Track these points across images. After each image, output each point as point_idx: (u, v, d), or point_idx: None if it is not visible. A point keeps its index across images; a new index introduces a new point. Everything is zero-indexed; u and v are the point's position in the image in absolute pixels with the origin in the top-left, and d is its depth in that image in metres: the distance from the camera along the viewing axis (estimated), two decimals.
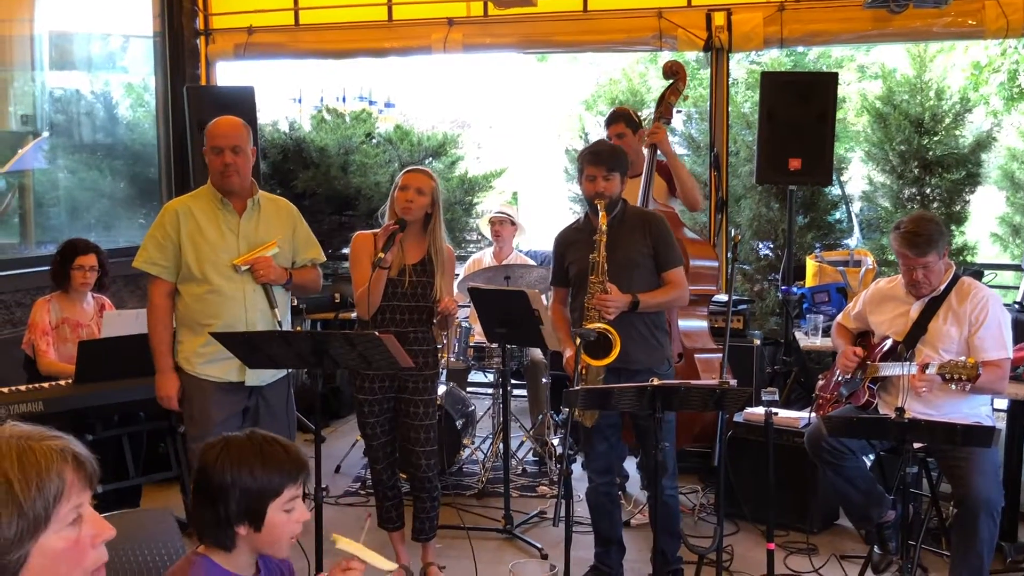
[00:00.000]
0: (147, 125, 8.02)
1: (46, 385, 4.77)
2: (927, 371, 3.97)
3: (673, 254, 4.33)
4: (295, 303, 6.24)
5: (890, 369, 4.22)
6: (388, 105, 10.93)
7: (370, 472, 4.56)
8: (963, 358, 3.91)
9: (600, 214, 4.19)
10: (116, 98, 7.91)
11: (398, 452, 4.48)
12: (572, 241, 4.42)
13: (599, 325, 4.11)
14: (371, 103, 10.31)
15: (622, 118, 5.57)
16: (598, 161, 4.24)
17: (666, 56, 6.74)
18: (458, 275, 6.07)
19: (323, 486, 3.88)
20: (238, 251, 4.11)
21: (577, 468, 6.12)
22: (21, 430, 1.56)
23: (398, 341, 4.22)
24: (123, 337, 4.88)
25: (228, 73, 8.25)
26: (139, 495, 5.28)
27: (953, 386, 3.87)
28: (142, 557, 2.43)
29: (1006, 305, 5.51)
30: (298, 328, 3.82)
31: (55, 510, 1.50)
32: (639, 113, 7.86)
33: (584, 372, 4.19)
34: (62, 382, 4.84)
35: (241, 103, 6.85)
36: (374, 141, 8.61)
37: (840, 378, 4.52)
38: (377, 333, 3.58)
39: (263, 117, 8.03)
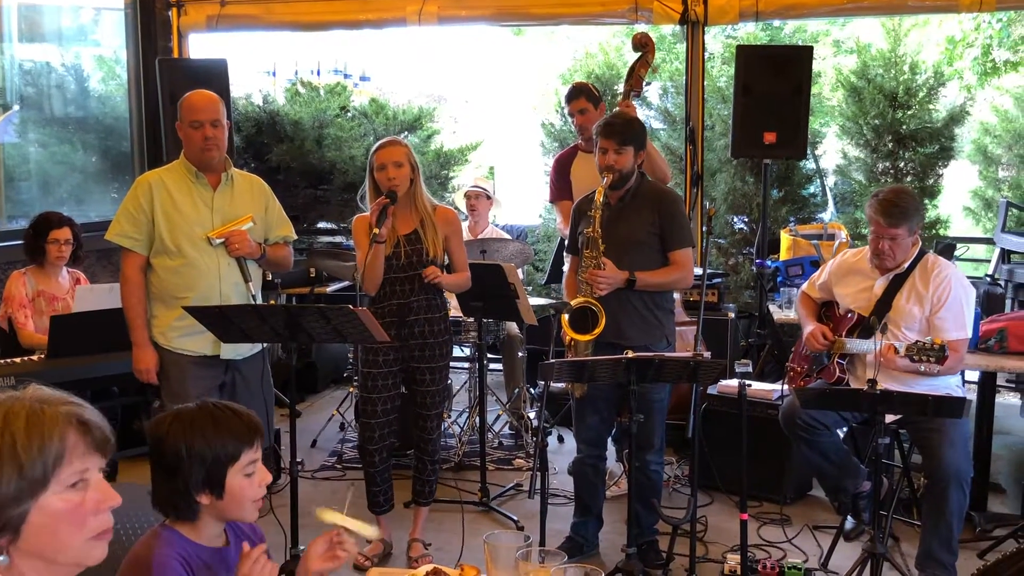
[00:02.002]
0: (119, 98, 7.92)
1: (18, 360, 4.74)
2: (899, 349, 4.00)
3: (681, 234, 4.28)
4: (269, 278, 6.21)
5: (858, 346, 4.24)
6: (363, 78, 10.85)
7: (361, 455, 4.50)
8: (929, 339, 3.94)
9: (598, 188, 4.18)
10: (87, 71, 7.80)
11: (398, 420, 4.45)
12: (585, 211, 4.38)
13: (582, 299, 4.12)
14: (346, 76, 10.24)
15: (583, 93, 5.56)
16: (610, 133, 4.20)
17: (642, 29, 6.71)
18: None
19: (299, 460, 3.89)
20: (212, 224, 4.08)
21: (552, 441, 6.17)
22: (41, 393, 1.59)
23: (403, 312, 4.24)
24: (96, 312, 4.85)
25: (201, 45, 8.14)
26: (115, 470, 5.26)
27: (921, 367, 3.90)
28: (115, 532, 2.41)
29: (978, 279, 5.59)
30: (272, 302, 3.80)
31: (55, 473, 1.52)
32: (614, 87, 7.91)
33: (572, 344, 4.20)
34: (35, 357, 4.82)
35: (214, 76, 6.77)
36: (349, 115, 8.55)
37: (808, 352, 4.55)
38: (352, 307, 3.57)
39: (236, 90, 7.95)
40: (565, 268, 5.77)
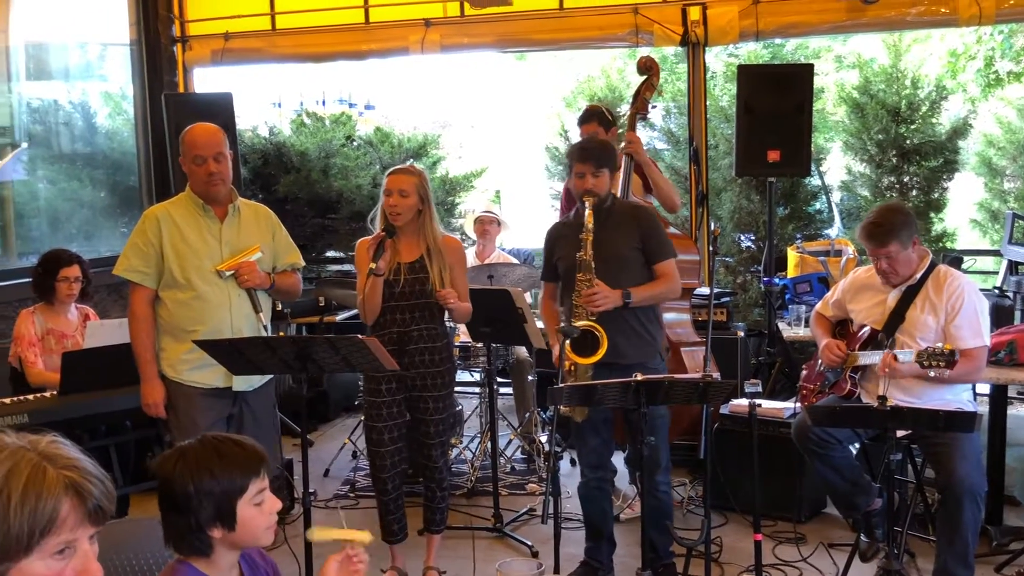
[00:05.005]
0: (126, 133, 8.00)
1: (31, 397, 4.76)
2: (899, 358, 4.00)
3: (664, 246, 4.32)
4: (279, 308, 6.23)
5: (869, 358, 4.24)
6: (368, 107, 10.93)
7: (373, 483, 4.49)
8: (940, 344, 3.94)
9: (587, 212, 4.21)
10: (94, 107, 7.88)
11: (408, 447, 4.44)
12: (561, 236, 4.42)
13: (586, 322, 4.13)
14: (351, 106, 10.32)
15: (595, 117, 5.59)
16: (587, 158, 4.23)
17: (643, 52, 6.77)
18: None
19: (311, 490, 3.89)
20: (221, 257, 4.09)
21: (565, 465, 6.16)
22: (51, 449, 1.57)
23: (402, 341, 4.25)
24: (107, 347, 4.86)
25: (206, 79, 8.24)
26: (127, 505, 5.27)
27: (931, 372, 3.90)
28: (130, 566, 2.43)
29: (986, 291, 5.58)
30: (281, 333, 3.80)
31: (40, 542, 1.51)
32: (616, 109, 7.94)
33: (573, 369, 4.20)
34: (47, 394, 4.83)
35: (220, 109, 6.85)
36: (354, 144, 8.61)
37: (823, 368, 4.55)
38: (360, 336, 3.59)
39: (242, 122, 8.02)
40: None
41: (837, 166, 8.08)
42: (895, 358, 4.02)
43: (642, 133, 6.55)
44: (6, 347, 5.43)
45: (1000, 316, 5.35)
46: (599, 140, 4.48)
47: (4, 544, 1.48)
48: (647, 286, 4.26)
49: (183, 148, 4.10)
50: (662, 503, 4.34)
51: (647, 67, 5.53)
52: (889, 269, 4.19)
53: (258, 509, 2.19)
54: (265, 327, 4.15)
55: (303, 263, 4.49)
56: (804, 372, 4.77)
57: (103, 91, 8.07)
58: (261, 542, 2.26)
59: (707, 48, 7.17)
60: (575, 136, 7.86)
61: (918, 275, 4.22)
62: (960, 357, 3.92)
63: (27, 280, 5.46)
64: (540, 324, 5.93)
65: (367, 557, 2.27)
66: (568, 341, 4.12)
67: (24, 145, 7.05)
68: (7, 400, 4.68)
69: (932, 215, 7.30)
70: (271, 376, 4.29)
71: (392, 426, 4.33)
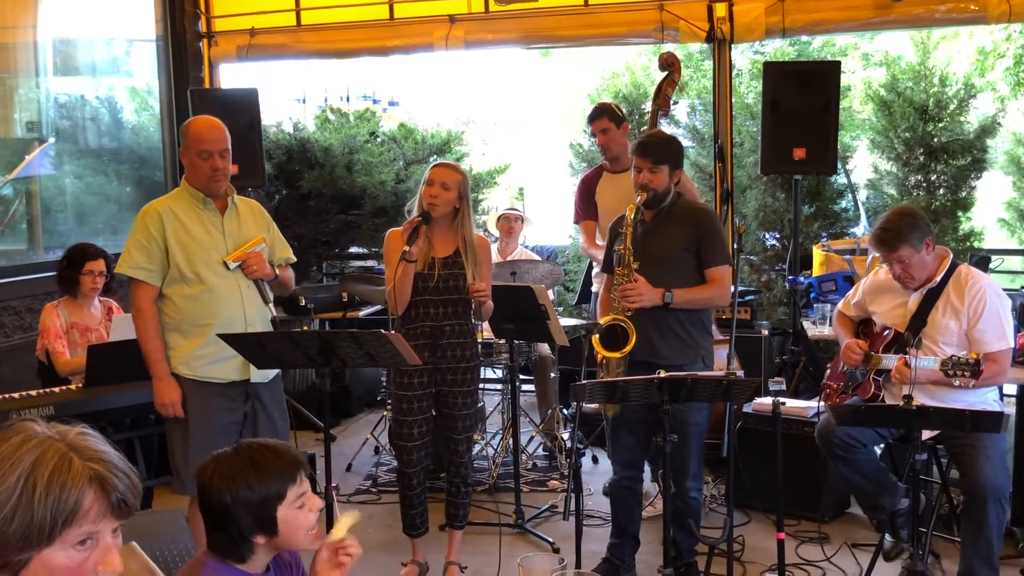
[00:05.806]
0: (152, 129, 8.04)
1: (57, 390, 4.79)
2: (913, 364, 3.96)
3: (718, 252, 4.24)
4: (302, 303, 6.26)
5: (891, 361, 4.19)
6: (392, 103, 10.97)
7: (399, 478, 4.50)
8: (964, 353, 3.88)
9: (631, 206, 4.19)
10: (120, 102, 7.93)
11: (432, 442, 4.44)
12: (619, 230, 4.39)
13: (611, 317, 4.11)
14: (375, 102, 10.35)
15: (605, 113, 5.56)
16: (644, 153, 4.18)
17: (668, 48, 6.75)
18: None
19: (334, 484, 3.90)
20: (226, 249, 4.06)
21: (587, 462, 6.15)
22: (80, 440, 1.58)
23: (435, 335, 4.26)
24: (132, 340, 4.87)
25: (232, 75, 8.27)
26: (151, 497, 5.31)
27: (956, 382, 3.85)
28: (153, 558, 2.44)
29: (1013, 291, 5.52)
30: (304, 328, 3.79)
31: (62, 533, 1.52)
32: (641, 106, 7.93)
33: (604, 363, 4.19)
34: (72, 386, 4.87)
35: (245, 105, 6.87)
36: (378, 140, 8.62)
37: (845, 368, 4.51)
38: (383, 331, 3.59)
39: (267, 118, 8.05)
40: (594, 288, 5.77)
41: (863, 164, 8.02)
42: (907, 363, 3.97)
43: (666, 130, 6.52)
44: (33, 340, 5.48)
45: None
46: (661, 135, 4.42)
47: (27, 532, 1.50)
48: (693, 289, 4.19)
49: (186, 140, 4.05)
50: (691, 508, 4.29)
51: (668, 63, 5.51)
52: (904, 274, 4.12)
53: (300, 511, 2.20)
54: (274, 318, 4.14)
55: (295, 258, 4.49)
56: (828, 371, 4.74)
57: (129, 86, 8.12)
58: (302, 545, 2.25)
59: (733, 45, 7.14)
60: None
61: (938, 277, 4.14)
62: (984, 360, 3.87)
63: (54, 274, 5.50)
64: (570, 321, 5.95)
65: (359, 550, 2.26)
66: (598, 335, 4.12)
67: (51, 140, 7.10)
68: (34, 392, 4.71)
69: (959, 214, 7.23)
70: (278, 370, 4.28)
71: (421, 420, 4.34)
